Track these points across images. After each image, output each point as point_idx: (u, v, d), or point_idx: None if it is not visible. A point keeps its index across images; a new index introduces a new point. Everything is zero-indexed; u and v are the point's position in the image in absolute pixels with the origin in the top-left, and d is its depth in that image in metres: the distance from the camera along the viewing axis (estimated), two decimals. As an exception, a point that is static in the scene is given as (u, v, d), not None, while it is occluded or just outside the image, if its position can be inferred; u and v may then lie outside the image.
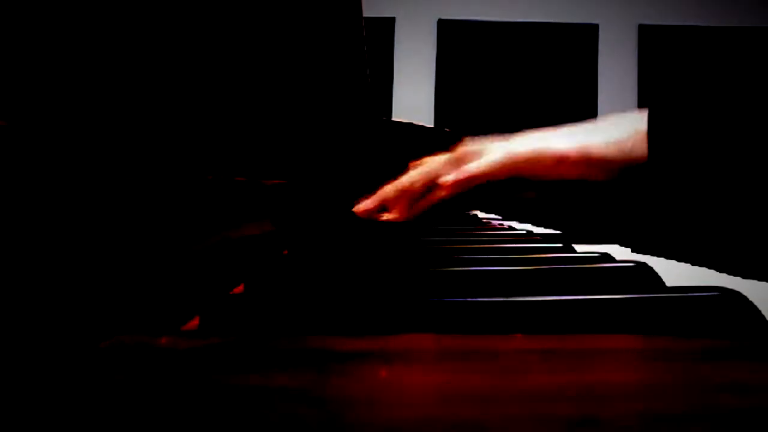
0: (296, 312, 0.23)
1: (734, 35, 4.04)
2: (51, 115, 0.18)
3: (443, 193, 0.64)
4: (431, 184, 0.65)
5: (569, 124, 0.64)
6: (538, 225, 0.84)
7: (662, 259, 0.44)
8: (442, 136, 1.69)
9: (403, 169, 0.69)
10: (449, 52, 4.14)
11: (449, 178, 0.64)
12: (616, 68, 4.14)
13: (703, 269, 0.39)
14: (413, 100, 4.14)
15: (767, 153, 0.50)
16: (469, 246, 0.48)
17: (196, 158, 0.31)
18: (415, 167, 0.68)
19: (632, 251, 0.51)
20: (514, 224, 0.83)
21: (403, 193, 0.66)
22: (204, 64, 0.32)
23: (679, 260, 0.43)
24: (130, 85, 0.24)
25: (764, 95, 0.52)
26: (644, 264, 0.32)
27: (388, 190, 0.67)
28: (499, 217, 1.07)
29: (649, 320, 0.23)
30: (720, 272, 0.37)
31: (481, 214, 1.07)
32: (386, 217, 0.67)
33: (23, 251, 0.16)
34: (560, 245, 0.47)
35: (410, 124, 1.70)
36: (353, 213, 0.67)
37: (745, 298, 0.23)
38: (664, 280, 0.31)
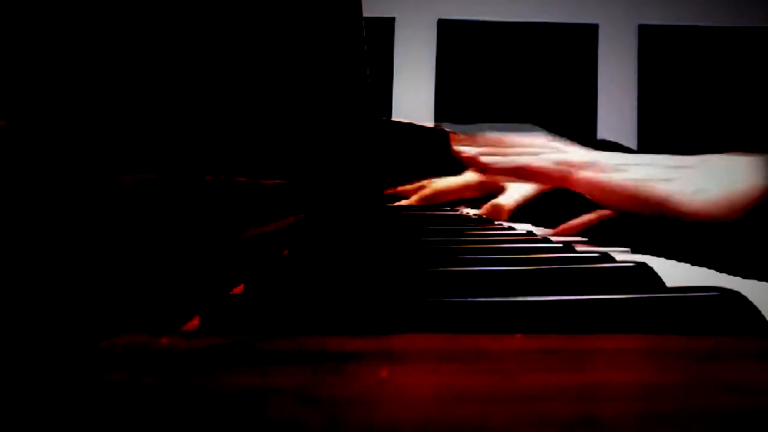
0: (296, 312, 0.23)
1: (734, 35, 4.04)
2: (51, 115, 0.18)
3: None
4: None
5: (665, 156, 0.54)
6: (537, 225, 0.84)
7: (662, 259, 0.44)
8: (442, 136, 1.69)
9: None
10: (449, 52, 4.14)
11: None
12: (616, 68, 4.13)
13: (703, 269, 0.39)
14: (413, 100, 4.14)
15: None
16: (469, 246, 0.48)
17: (195, 159, 0.31)
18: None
19: (632, 251, 0.51)
20: (514, 224, 0.83)
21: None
22: (203, 63, 0.32)
23: (679, 260, 0.43)
24: (130, 86, 0.24)
25: None
26: (644, 264, 0.32)
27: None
28: None
29: (648, 320, 0.23)
30: (720, 272, 0.37)
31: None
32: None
33: (23, 251, 0.16)
34: (560, 245, 0.47)
35: (410, 124, 1.70)
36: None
37: (745, 298, 0.23)
38: (664, 280, 0.31)
